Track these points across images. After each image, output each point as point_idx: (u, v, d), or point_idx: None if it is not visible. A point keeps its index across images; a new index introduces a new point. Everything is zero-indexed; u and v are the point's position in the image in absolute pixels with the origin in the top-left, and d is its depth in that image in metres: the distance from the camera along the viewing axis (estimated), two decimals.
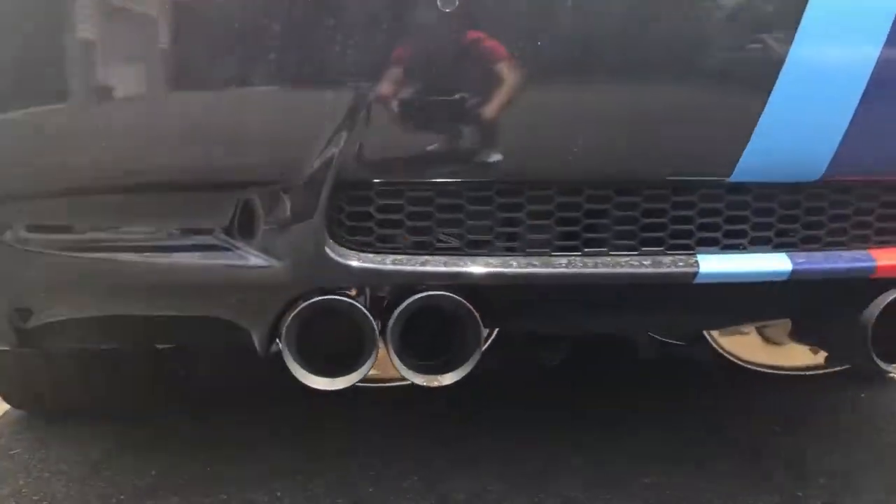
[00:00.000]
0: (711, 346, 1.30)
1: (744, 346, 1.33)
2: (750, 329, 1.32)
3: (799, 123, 0.98)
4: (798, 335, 1.19)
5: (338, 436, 1.71)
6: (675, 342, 1.60)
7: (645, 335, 1.46)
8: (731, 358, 1.31)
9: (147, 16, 0.94)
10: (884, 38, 0.94)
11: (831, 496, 1.37)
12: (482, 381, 2.12)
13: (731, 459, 1.54)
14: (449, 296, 0.97)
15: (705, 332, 1.31)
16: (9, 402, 1.89)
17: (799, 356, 1.35)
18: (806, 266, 1.03)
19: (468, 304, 0.98)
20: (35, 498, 1.43)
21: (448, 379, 1.01)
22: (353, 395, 2.01)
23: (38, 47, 0.95)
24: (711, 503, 1.34)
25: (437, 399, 2.06)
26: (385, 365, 1.26)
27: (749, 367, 1.33)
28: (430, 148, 0.95)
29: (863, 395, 2.02)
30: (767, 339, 1.32)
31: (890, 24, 0.94)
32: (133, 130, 0.94)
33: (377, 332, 0.98)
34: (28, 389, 1.79)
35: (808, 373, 1.38)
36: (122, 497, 1.42)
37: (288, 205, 0.95)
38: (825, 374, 1.45)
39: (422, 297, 0.97)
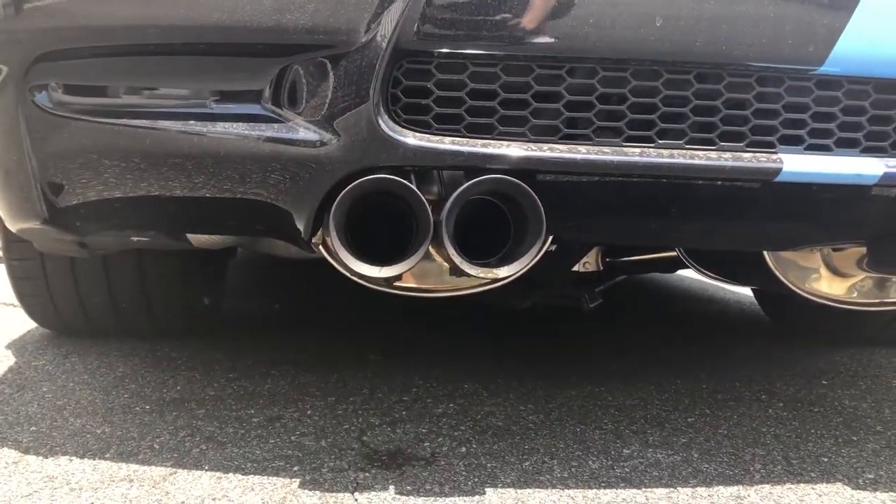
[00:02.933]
0: (774, 277, 1.21)
1: (808, 276, 1.25)
2: (817, 262, 1.24)
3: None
4: (873, 262, 1.11)
5: (370, 362, 1.66)
6: (725, 279, 1.53)
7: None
8: (795, 289, 1.23)
9: None
10: None
11: (888, 441, 1.30)
12: (516, 320, 2.08)
13: (779, 403, 1.46)
14: (511, 180, 0.90)
15: (769, 262, 1.23)
16: (36, 321, 1.85)
17: (869, 291, 1.26)
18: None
19: (530, 190, 0.90)
20: (59, 403, 1.38)
21: (504, 272, 0.94)
22: (384, 325, 1.97)
23: None
24: (758, 431, 1.26)
25: (471, 333, 2.01)
26: (427, 273, 1.20)
27: (813, 298, 1.25)
28: (498, 17, 0.88)
29: None
30: (835, 271, 1.24)
31: None
32: None
33: (431, 218, 0.91)
34: (56, 310, 1.75)
35: (873, 308, 1.30)
36: (146, 407, 1.37)
37: (341, 74, 0.88)
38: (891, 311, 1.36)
39: (483, 180, 0.90)
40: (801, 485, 1.11)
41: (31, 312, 1.80)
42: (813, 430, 1.34)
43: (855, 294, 1.27)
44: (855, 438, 1.31)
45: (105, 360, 1.66)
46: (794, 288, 1.24)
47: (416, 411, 1.37)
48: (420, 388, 1.49)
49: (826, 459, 1.21)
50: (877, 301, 1.28)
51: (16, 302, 1.83)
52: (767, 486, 1.10)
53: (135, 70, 0.92)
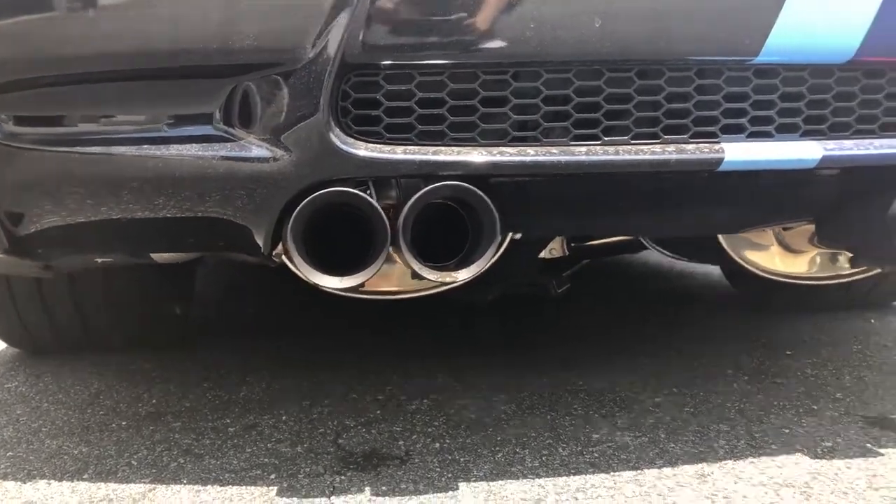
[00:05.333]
0: (728, 256, 1.25)
1: (761, 254, 1.29)
2: (770, 239, 1.28)
3: (821, 16, 0.94)
4: (823, 238, 1.15)
5: (344, 363, 1.68)
6: (685, 258, 1.56)
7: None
8: (748, 267, 1.27)
9: None
10: None
11: (846, 407, 1.34)
12: (487, 310, 2.11)
13: (744, 377, 1.51)
14: (464, 185, 0.92)
15: (722, 242, 1.27)
16: (6, 341, 1.85)
17: (821, 265, 1.30)
18: (836, 153, 0.98)
19: (483, 195, 0.93)
20: (34, 426, 1.39)
21: (463, 274, 0.96)
22: (357, 323, 1.98)
23: None
24: (724, 406, 1.30)
25: (443, 327, 2.04)
26: (390, 277, 1.22)
27: (767, 275, 1.29)
28: (441, 28, 0.90)
29: (872, 320, 2.00)
30: (787, 248, 1.28)
31: None
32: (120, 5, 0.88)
33: (388, 227, 0.93)
34: (25, 328, 1.75)
35: (828, 282, 1.34)
36: (122, 423, 1.38)
37: (290, 90, 0.90)
38: (845, 282, 1.40)
39: (435, 188, 0.92)
40: (763, 458, 1.15)
41: (0, 332, 1.80)
42: (776, 403, 1.38)
43: (808, 269, 1.31)
44: (815, 408, 1.36)
45: (79, 376, 1.66)
46: (748, 266, 1.28)
47: (391, 410, 1.39)
48: (394, 386, 1.52)
49: (787, 431, 1.26)
50: (829, 274, 1.33)
51: None
52: (730, 462, 1.14)
53: (85, 98, 0.93)
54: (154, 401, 1.49)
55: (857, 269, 1.32)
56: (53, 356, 1.80)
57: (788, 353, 1.70)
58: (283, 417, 1.37)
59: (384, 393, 1.49)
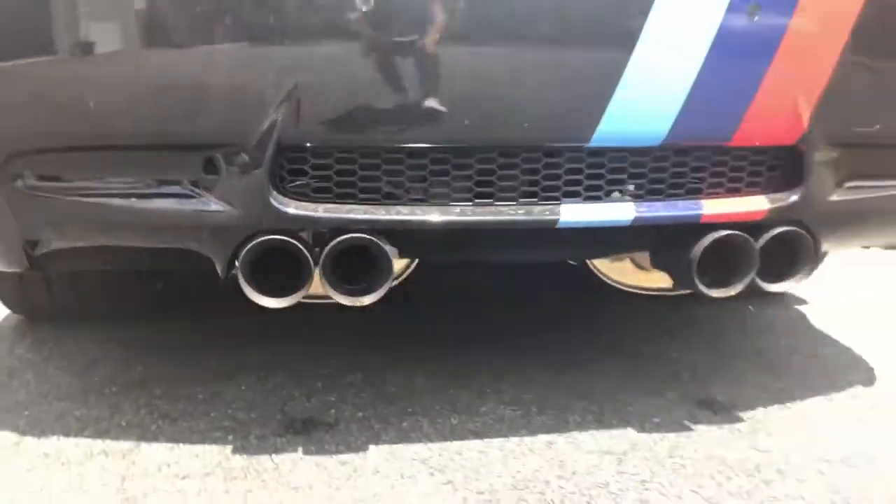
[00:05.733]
0: (593, 270, 1.59)
1: (619, 270, 1.63)
2: (625, 257, 1.62)
3: (643, 101, 1.26)
4: (654, 264, 1.49)
5: (295, 342, 2.03)
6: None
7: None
8: (607, 280, 1.62)
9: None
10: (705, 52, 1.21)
11: (688, 389, 1.72)
12: (408, 300, 2.47)
13: (615, 360, 1.88)
14: (366, 237, 1.26)
15: (587, 261, 1.61)
16: (9, 308, 2.19)
17: (662, 279, 1.65)
18: (647, 214, 1.32)
19: (381, 245, 1.27)
20: (42, 389, 1.74)
21: (367, 300, 1.31)
22: (307, 311, 2.33)
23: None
24: (590, 384, 1.67)
25: (374, 313, 2.39)
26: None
27: (621, 287, 1.63)
28: (350, 120, 1.22)
29: (750, 307, 2.37)
30: (638, 266, 1.62)
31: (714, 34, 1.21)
32: (114, 100, 1.20)
33: (312, 264, 1.27)
34: (27, 299, 2.09)
35: (666, 293, 1.69)
36: (114, 389, 1.73)
37: (240, 163, 1.22)
38: (677, 294, 1.75)
39: (346, 238, 1.26)
40: (602, 430, 1.52)
41: (3, 297, 2.14)
42: (632, 383, 1.75)
43: (655, 283, 1.66)
44: (663, 389, 1.73)
45: (78, 345, 2.01)
46: (608, 280, 1.63)
47: (330, 383, 1.75)
48: (337, 360, 1.88)
49: (631, 408, 1.63)
50: (670, 287, 1.67)
51: None
52: (576, 433, 1.51)
53: (89, 163, 1.25)
54: (140, 368, 1.84)
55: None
56: (54, 324, 2.14)
57: (666, 337, 2.08)
58: (243, 387, 1.73)
59: (327, 367, 1.85)
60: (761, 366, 1.88)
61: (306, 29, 1.18)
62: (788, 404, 1.66)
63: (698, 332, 2.12)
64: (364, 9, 1.17)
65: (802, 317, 2.33)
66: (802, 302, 2.47)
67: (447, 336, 2.10)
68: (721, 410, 1.62)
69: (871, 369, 1.89)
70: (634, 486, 1.33)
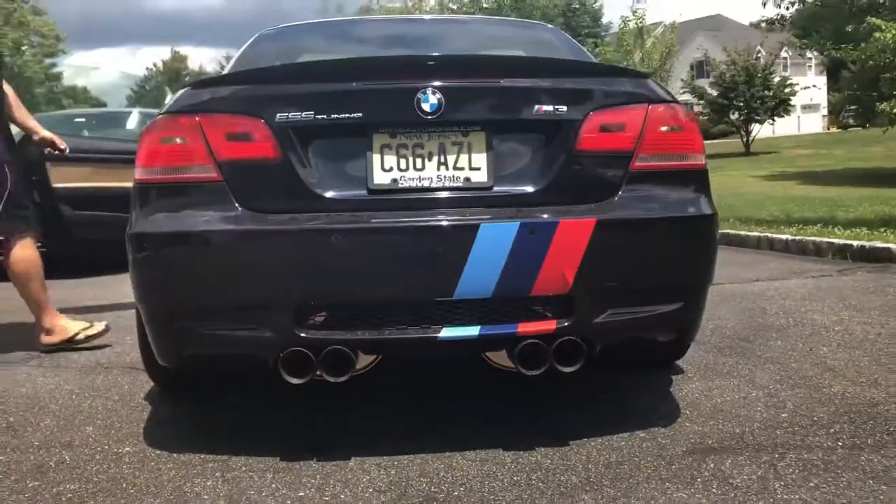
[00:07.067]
0: (486, 358, 2.82)
1: (499, 357, 2.81)
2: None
3: (478, 279, 2.45)
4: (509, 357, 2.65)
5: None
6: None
7: None
8: (492, 362, 2.82)
9: None
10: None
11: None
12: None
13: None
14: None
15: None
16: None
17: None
18: (489, 332, 2.51)
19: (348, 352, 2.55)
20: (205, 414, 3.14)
21: (341, 379, 2.58)
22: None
23: None
24: (496, 405, 2.85)
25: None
26: None
27: (500, 367, 2.83)
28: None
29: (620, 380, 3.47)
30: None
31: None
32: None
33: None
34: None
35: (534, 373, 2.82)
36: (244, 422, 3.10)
37: None
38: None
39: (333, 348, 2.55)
40: (483, 427, 2.71)
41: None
42: (539, 400, 2.93)
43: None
44: (553, 404, 2.90)
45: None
46: (491, 362, 2.83)
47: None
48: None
49: (523, 417, 2.81)
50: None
51: None
52: (466, 428, 2.71)
53: None
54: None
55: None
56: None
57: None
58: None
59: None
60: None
61: None
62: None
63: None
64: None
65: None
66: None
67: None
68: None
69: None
70: None
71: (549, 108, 2.53)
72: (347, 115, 2.48)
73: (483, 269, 2.43)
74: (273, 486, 2.39)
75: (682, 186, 2.67)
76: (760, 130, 33.80)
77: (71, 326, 4.24)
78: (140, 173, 2.59)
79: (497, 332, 2.52)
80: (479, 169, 2.52)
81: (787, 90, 32.07)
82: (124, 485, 2.44)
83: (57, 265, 5.64)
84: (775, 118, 32.96)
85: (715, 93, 32.20)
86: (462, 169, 2.52)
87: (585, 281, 2.47)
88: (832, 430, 2.70)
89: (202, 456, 2.63)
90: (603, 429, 2.77)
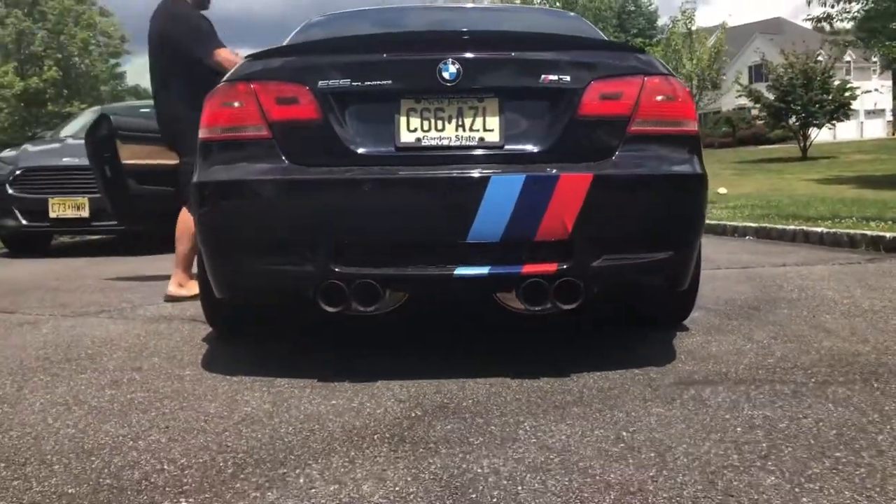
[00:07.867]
0: (496, 299, 3.16)
1: (509, 299, 3.17)
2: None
3: (488, 224, 2.83)
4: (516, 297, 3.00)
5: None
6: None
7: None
8: (502, 304, 3.18)
9: None
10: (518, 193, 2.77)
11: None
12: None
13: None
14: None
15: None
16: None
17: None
18: (494, 271, 2.88)
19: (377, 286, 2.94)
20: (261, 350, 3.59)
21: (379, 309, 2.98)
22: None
23: None
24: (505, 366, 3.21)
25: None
26: None
27: (510, 309, 3.18)
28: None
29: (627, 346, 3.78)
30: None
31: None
32: None
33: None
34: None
35: (544, 312, 3.16)
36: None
37: None
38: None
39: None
40: (495, 365, 3.08)
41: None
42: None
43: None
44: (562, 350, 3.25)
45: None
46: (501, 303, 3.19)
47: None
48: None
49: (532, 356, 3.17)
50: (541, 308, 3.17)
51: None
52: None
53: None
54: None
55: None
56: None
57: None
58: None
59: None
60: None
61: None
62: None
63: (584, 348, 3.59)
64: None
65: None
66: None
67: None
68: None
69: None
70: None
71: (555, 77, 2.90)
72: (378, 82, 2.89)
73: (493, 216, 2.80)
74: (310, 397, 2.81)
75: (674, 149, 3.00)
76: (819, 135, 33.27)
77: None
78: (203, 133, 3.04)
79: (504, 272, 2.89)
80: (492, 130, 2.90)
81: (846, 94, 31.54)
82: (185, 394, 2.89)
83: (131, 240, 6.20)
84: (835, 123, 32.42)
85: (772, 96, 31.84)
86: (477, 130, 2.90)
87: (583, 229, 2.82)
88: (809, 372, 3.00)
89: (251, 377, 3.07)
90: (602, 366, 3.11)
